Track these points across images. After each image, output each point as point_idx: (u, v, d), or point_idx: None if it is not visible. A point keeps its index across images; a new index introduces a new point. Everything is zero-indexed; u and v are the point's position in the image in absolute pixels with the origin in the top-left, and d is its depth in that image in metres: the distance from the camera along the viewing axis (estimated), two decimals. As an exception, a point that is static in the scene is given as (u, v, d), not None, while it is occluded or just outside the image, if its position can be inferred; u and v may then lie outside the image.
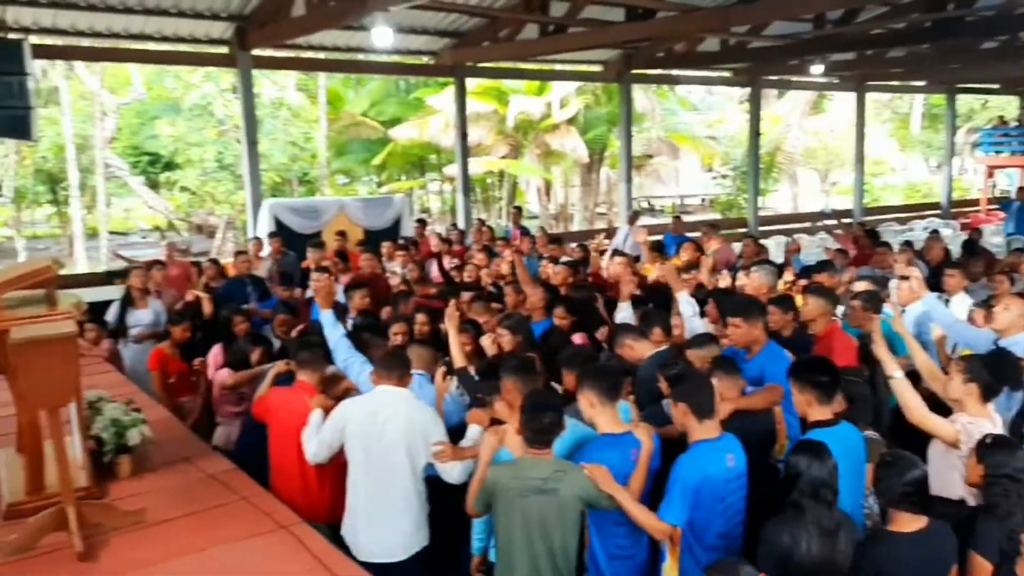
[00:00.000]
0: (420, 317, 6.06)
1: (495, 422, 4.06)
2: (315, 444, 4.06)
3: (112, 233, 21.71)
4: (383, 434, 3.86)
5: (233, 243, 20.53)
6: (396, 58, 14.27)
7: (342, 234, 11.03)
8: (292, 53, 13.26)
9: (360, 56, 13.99)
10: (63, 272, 4.56)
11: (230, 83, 18.35)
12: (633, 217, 13.73)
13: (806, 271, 7.22)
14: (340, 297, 6.96)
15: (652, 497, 3.56)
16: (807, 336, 5.15)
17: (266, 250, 10.02)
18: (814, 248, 13.18)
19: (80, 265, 19.04)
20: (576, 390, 3.80)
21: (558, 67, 16.81)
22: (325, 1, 10.00)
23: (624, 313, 5.70)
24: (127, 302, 7.41)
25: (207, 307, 7.29)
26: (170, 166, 21.31)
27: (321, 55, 13.85)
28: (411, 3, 8.75)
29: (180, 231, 23.08)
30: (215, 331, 6.76)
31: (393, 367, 4.02)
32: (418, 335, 5.67)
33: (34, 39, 9.03)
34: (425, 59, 14.54)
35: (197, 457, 4.57)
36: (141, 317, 7.31)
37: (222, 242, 21.11)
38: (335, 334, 4.80)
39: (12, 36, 8.26)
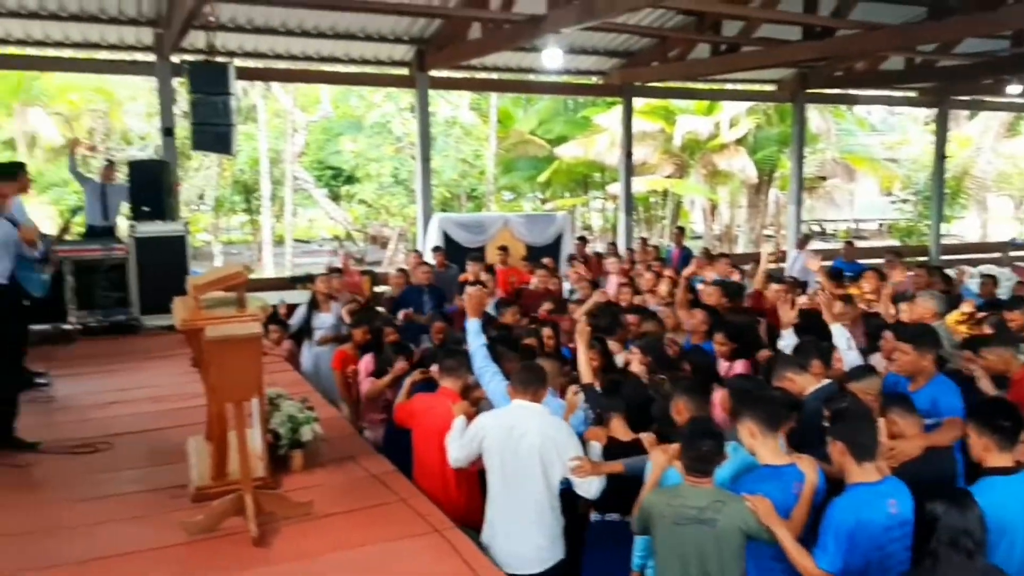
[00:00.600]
0: (546, 331, 6.15)
1: (612, 440, 4.09)
2: (456, 450, 4.18)
3: (296, 241, 23.29)
4: (518, 448, 3.94)
5: (404, 254, 21.47)
6: (565, 78, 14.49)
7: (504, 249, 11.33)
8: (467, 74, 13.77)
9: (531, 76, 14.32)
10: (252, 276, 4.96)
11: (408, 103, 19.29)
12: (803, 241, 13.23)
13: (992, 306, 6.69)
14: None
15: (812, 533, 3.43)
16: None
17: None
18: (1004, 281, 12.15)
19: (267, 270, 20.55)
20: (721, 418, 3.72)
21: (729, 86, 16.47)
22: (500, 24, 10.33)
23: (787, 341, 5.51)
24: (312, 306, 7.87)
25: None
26: (350, 180, 22.69)
27: (494, 75, 14.30)
28: (582, 25, 8.88)
29: (356, 241, 24.41)
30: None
31: (528, 382, 4.07)
32: (547, 348, 5.84)
33: (238, 62, 9.85)
34: (594, 79, 14.67)
35: (361, 457, 4.86)
36: (324, 320, 7.73)
37: (394, 252, 22.14)
38: (476, 342, 4.96)
39: (219, 60, 9.07)
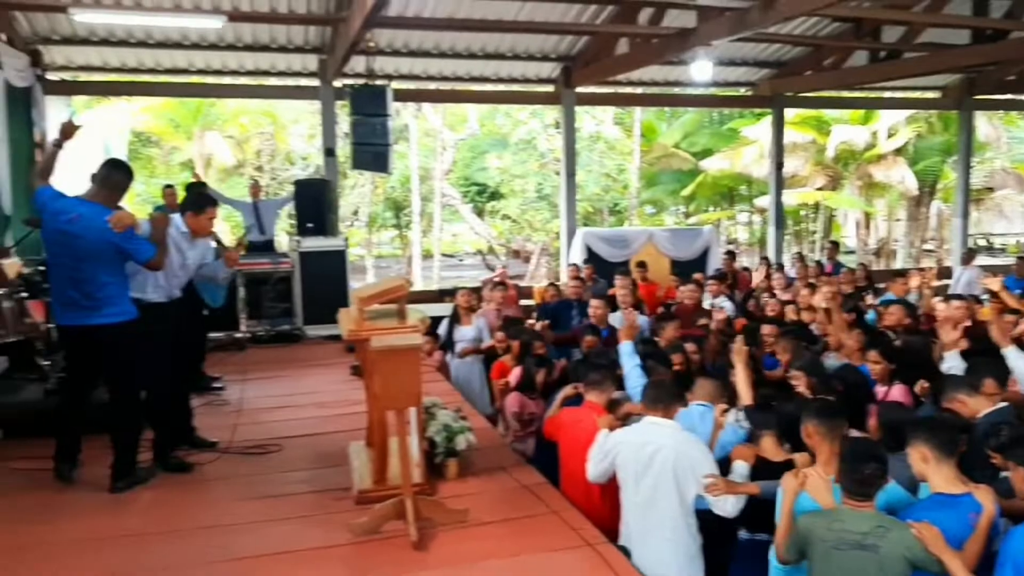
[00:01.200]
0: (690, 346, 6.04)
1: (760, 459, 3.98)
2: (593, 465, 4.20)
3: (443, 255, 24.03)
4: (651, 465, 3.91)
5: (546, 268, 21.70)
6: (713, 90, 14.27)
7: (642, 265, 11.15)
8: (612, 89, 13.81)
9: (677, 89, 14.20)
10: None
11: (553, 119, 19.55)
12: (968, 256, 12.40)
13: None
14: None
15: (985, 570, 3.23)
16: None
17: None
18: None
19: (416, 283, 21.28)
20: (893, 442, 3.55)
21: (887, 94, 15.71)
22: (648, 39, 10.31)
23: (950, 363, 5.19)
24: (454, 319, 8.10)
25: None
26: (494, 196, 23.20)
27: (639, 90, 14.27)
28: (734, 37, 8.75)
29: (498, 255, 24.89)
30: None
31: (658, 399, 4.06)
32: (692, 364, 5.74)
33: (394, 84, 10.31)
34: (742, 90, 14.38)
35: (512, 467, 4.96)
36: (465, 333, 7.89)
37: (536, 267, 22.40)
38: (629, 363, 4.96)
39: (378, 83, 9.54)
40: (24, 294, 6.18)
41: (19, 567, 3.81)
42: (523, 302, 10.29)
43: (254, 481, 4.88)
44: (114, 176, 4.60)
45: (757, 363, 5.38)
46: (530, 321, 7.95)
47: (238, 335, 8.82)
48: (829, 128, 19.88)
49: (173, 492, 4.74)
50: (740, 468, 3.96)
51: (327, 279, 9.18)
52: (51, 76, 10.64)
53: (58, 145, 4.72)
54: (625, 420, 4.60)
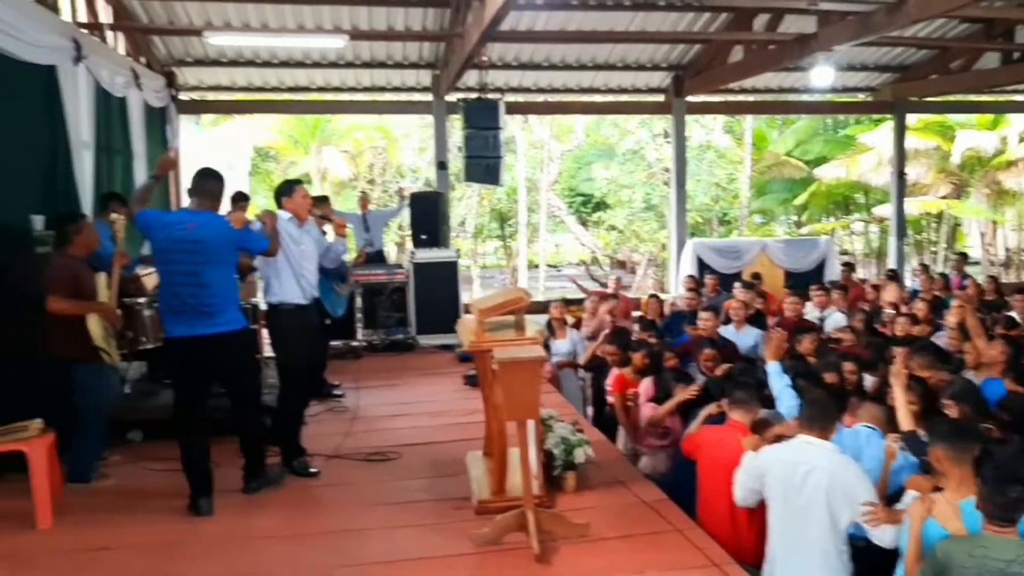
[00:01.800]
0: (848, 365, 5.78)
1: (936, 490, 3.75)
2: (741, 487, 4.08)
3: (547, 266, 24.13)
4: (803, 486, 3.76)
5: (653, 279, 21.46)
6: (830, 96, 13.81)
7: (756, 277, 10.85)
8: (723, 97, 13.56)
9: (791, 96, 13.81)
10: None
11: (662, 129, 19.34)
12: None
13: None
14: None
15: None
16: None
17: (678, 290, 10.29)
18: None
19: (521, 294, 21.39)
20: None
21: (1019, 97, 14.83)
22: (764, 45, 10.07)
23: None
24: (549, 331, 8.00)
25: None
26: (599, 206, 23.11)
27: (750, 97, 13.95)
28: (858, 41, 8.44)
29: (602, 265, 24.78)
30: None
31: (815, 418, 3.90)
32: (848, 384, 5.47)
33: (506, 97, 10.42)
34: (862, 95, 13.86)
35: (631, 482, 4.91)
36: (560, 346, 7.88)
37: (642, 278, 22.18)
38: (779, 384, 4.80)
39: (490, 96, 9.67)
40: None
41: (166, 563, 4.03)
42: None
43: (377, 488, 5.00)
44: (209, 185, 4.78)
45: (927, 388, 5.08)
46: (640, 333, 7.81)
47: (354, 343, 9.08)
48: (954, 133, 18.92)
49: (300, 495, 4.92)
50: (910, 499, 3.75)
51: (439, 290, 9.38)
52: (183, 96, 11.25)
53: (156, 178, 5.02)
54: (775, 442, 4.46)
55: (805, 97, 13.78)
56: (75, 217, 5.36)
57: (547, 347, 7.75)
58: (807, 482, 3.75)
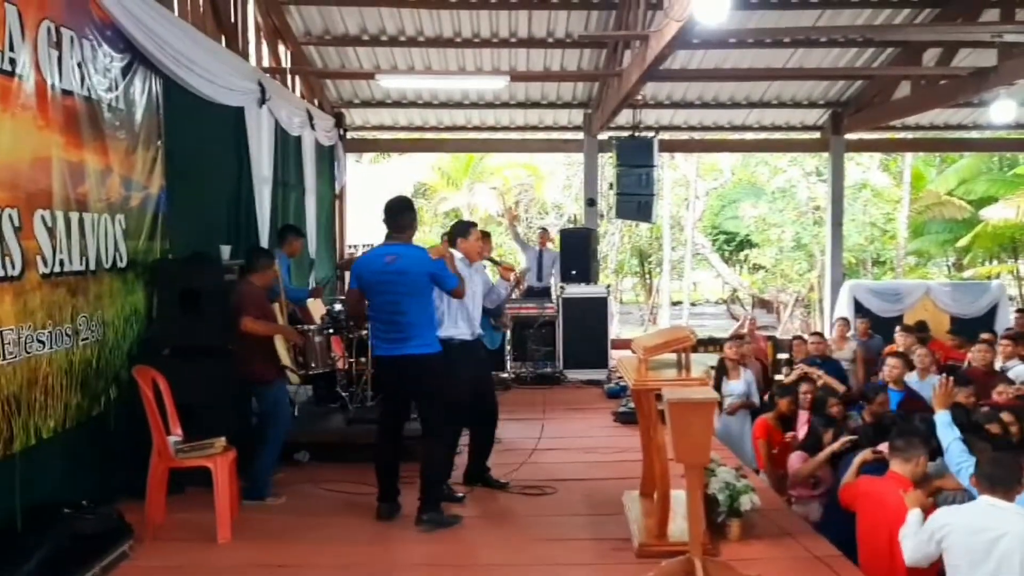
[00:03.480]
0: (1007, 416, 5.37)
1: None
2: (911, 549, 3.84)
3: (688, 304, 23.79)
4: (990, 553, 3.50)
5: (800, 320, 20.69)
6: (1001, 133, 13.00)
7: (922, 324, 10.17)
8: (883, 134, 13.01)
9: (959, 133, 13.08)
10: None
11: (814, 166, 18.75)
12: None
13: None
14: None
15: None
16: None
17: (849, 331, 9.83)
18: None
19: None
20: None
21: None
22: (934, 80, 9.62)
23: None
24: (721, 372, 7.88)
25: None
26: (743, 244, 22.59)
27: (912, 135, 13.33)
28: (1045, 75, 7.92)
29: (743, 304, 24.14)
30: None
31: (997, 479, 3.64)
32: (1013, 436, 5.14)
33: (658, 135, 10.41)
34: (1039, 133, 12.98)
35: (799, 534, 4.71)
36: (734, 387, 7.67)
37: (789, 319, 21.43)
38: (948, 436, 4.53)
39: (644, 134, 9.69)
40: (330, 330, 6.87)
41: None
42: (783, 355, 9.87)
43: (535, 522, 5.01)
44: (406, 217, 5.05)
45: None
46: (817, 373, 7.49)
47: (504, 375, 9.21)
48: None
49: (460, 525, 4.96)
50: None
51: (588, 325, 9.43)
52: (350, 135, 11.89)
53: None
54: (934, 496, 4.23)
55: (974, 134, 13.01)
56: (270, 252, 5.84)
57: (719, 388, 7.62)
58: (995, 548, 3.52)
